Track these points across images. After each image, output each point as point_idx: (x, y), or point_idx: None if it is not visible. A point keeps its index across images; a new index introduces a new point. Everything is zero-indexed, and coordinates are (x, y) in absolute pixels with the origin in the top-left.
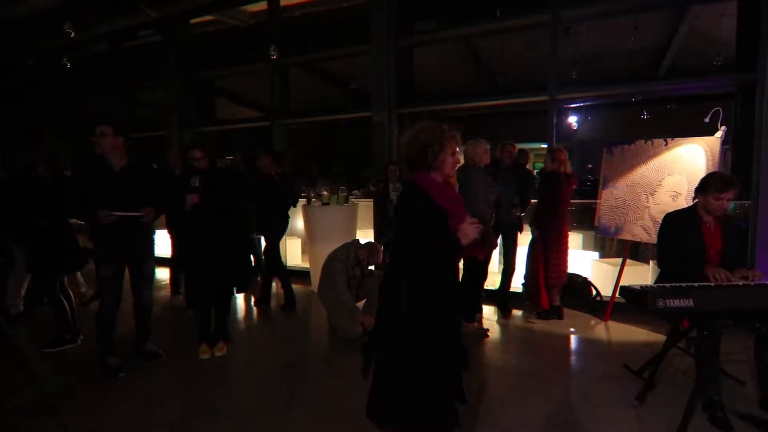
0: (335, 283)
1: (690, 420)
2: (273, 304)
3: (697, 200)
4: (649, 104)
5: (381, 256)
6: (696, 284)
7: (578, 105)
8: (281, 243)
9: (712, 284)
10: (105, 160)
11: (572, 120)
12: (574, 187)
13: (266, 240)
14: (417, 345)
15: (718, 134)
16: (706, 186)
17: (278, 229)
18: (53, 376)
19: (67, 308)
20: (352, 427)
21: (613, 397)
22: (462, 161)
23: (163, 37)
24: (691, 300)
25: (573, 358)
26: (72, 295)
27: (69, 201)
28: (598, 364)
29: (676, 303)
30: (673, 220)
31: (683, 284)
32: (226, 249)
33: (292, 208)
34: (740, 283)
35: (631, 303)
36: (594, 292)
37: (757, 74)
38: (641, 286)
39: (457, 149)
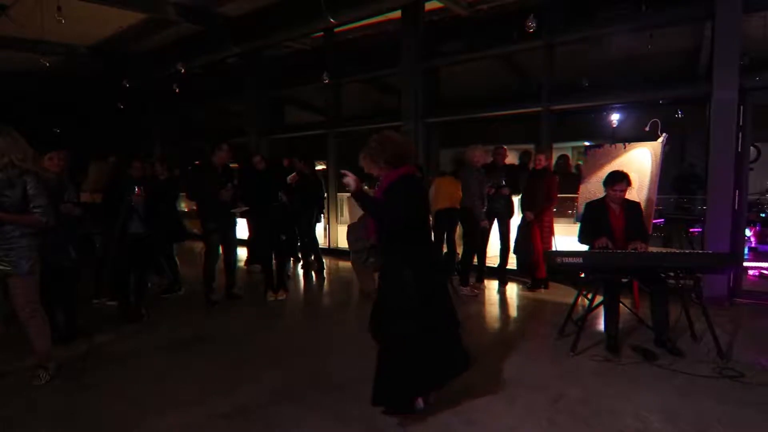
0: (348, 241)
1: (579, 338)
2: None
3: (606, 193)
4: (683, 104)
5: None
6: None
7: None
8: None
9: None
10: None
11: (614, 118)
12: (558, 180)
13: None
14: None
15: (660, 140)
16: (606, 182)
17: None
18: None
19: (178, 268)
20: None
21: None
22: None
23: (243, 62)
24: (580, 258)
25: (549, 316)
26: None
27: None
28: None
29: (570, 260)
30: (590, 207)
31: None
32: (284, 224)
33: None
34: (620, 251)
35: (545, 261)
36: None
37: (713, 86)
38: (553, 251)
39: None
